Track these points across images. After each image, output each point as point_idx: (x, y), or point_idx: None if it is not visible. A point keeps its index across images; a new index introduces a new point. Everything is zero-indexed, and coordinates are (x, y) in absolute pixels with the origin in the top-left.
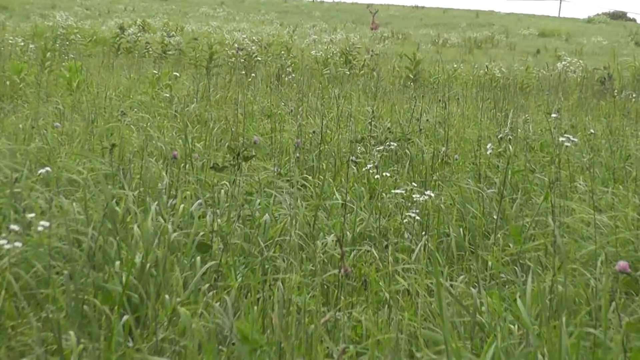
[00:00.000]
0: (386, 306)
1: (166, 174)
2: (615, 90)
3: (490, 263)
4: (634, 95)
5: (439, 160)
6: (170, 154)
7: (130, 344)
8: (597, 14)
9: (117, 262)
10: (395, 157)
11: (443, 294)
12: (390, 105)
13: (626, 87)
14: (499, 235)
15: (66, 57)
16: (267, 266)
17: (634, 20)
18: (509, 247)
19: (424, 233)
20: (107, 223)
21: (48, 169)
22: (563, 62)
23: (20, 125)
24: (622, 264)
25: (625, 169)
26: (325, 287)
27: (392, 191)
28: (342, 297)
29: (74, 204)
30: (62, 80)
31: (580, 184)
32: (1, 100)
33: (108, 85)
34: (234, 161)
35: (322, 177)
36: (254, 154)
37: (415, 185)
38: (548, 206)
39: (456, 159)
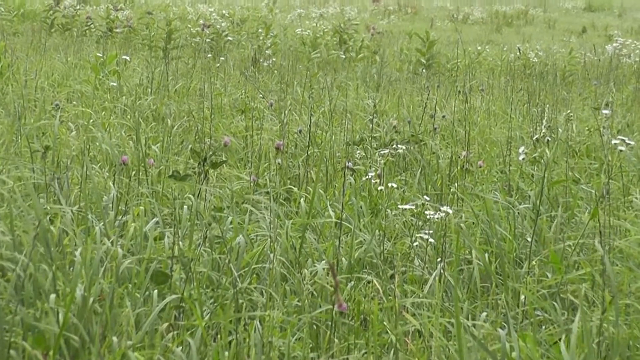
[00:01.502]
0: (392, 351)
1: (113, 184)
2: None
3: (523, 297)
4: None
5: (459, 167)
6: (119, 159)
7: None
8: None
9: (53, 296)
10: (403, 164)
11: (463, 336)
12: (397, 97)
13: None
14: (534, 263)
15: None
16: (241, 301)
17: None
18: (547, 277)
19: (439, 259)
20: (39, 246)
21: None
22: (615, 44)
23: None
24: None
25: None
26: (315, 327)
27: (400, 206)
28: (336, 340)
29: None
30: None
31: (636, 199)
32: None
33: (39, 71)
34: (199, 168)
35: (310, 189)
36: (224, 159)
37: (429, 199)
38: (596, 226)
39: (480, 166)
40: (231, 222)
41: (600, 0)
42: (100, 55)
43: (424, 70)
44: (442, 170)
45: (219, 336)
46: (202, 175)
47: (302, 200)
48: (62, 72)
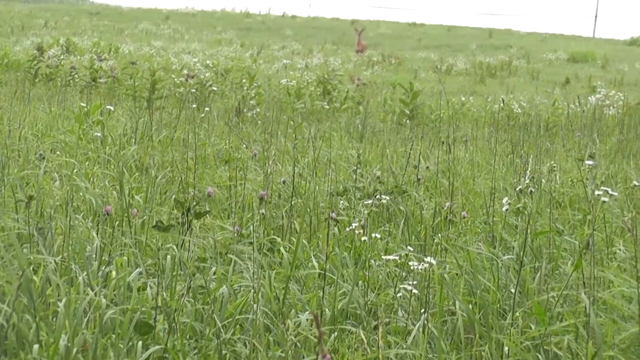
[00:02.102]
0: None
1: (97, 234)
2: None
3: (506, 349)
4: None
5: (442, 218)
6: (102, 209)
7: None
8: None
9: (36, 346)
10: (387, 214)
11: None
12: (381, 148)
13: None
14: (517, 314)
15: None
16: (224, 352)
17: None
18: (530, 328)
19: (423, 311)
20: (22, 297)
21: None
22: (598, 95)
23: None
24: None
25: None
26: None
27: (383, 257)
28: None
29: None
30: None
31: (620, 250)
32: None
33: (23, 121)
34: (183, 218)
35: (294, 239)
36: (207, 209)
37: (412, 250)
38: (579, 277)
39: (463, 217)
40: (214, 273)
41: (583, 51)
42: (84, 105)
43: (407, 121)
44: (426, 221)
45: None
46: (186, 226)
47: (285, 250)
48: (45, 122)
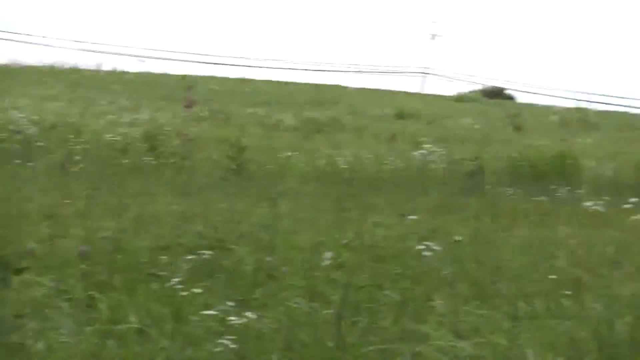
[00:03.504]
0: None
1: None
2: (487, 186)
3: None
4: (509, 192)
5: (263, 273)
6: None
7: None
8: (470, 91)
9: None
10: (208, 270)
11: None
12: (205, 204)
13: (501, 182)
14: None
15: None
16: None
17: (513, 98)
18: None
19: None
20: None
21: None
22: (421, 151)
23: None
24: None
25: (495, 285)
26: None
27: (203, 312)
28: None
29: None
30: None
31: (438, 303)
32: None
33: None
34: (1, 275)
35: (113, 295)
36: (26, 265)
37: (233, 304)
38: (398, 331)
39: (284, 272)
40: (31, 329)
41: (410, 108)
42: None
43: (234, 176)
44: (247, 276)
45: None
46: (4, 282)
47: (104, 306)
48: None
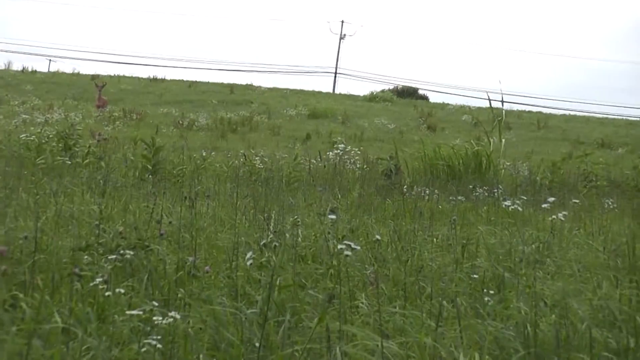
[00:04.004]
0: None
1: None
2: (405, 186)
3: None
4: (426, 192)
5: (186, 272)
6: None
7: None
8: (383, 90)
9: None
10: (130, 269)
11: None
12: (123, 203)
13: (417, 181)
14: None
15: None
16: None
17: (426, 98)
18: None
19: None
20: None
21: None
22: (336, 151)
23: None
24: None
25: (418, 284)
26: None
27: (127, 312)
28: None
29: None
30: None
31: (362, 303)
32: None
33: None
34: None
35: (37, 295)
36: None
37: (157, 304)
38: (323, 331)
39: (207, 272)
40: None
41: (324, 107)
42: None
43: (150, 176)
44: (169, 275)
45: None
46: None
47: (27, 306)
48: None
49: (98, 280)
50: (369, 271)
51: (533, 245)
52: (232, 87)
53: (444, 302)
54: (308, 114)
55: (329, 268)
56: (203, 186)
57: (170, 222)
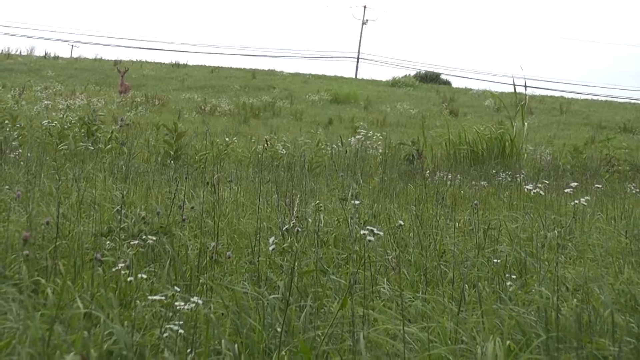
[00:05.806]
0: None
1: None
2: (427, 171)
3: None
4: (449, 177)
5: (208, 258)
6: None
7: None
8: (405, 76)
9: None
10: (152, 255)
11: None
12: (145, 189)
13: (440, 166)
14: (283, 353)
15: None
16: None
17: (448, 83)
18: None
19: (189, 350)
20: None
21: None
22: (359, 136)
23: None
24: None
25: (440, 269)
26: None
27: (149, 297)
28: None
29: None
30: None
31: (384, 288)
32: None
33: None
34: None
35: (59, 280)
36: None
37: (179, 290)
38: (345, 315)
39: (229, 257)
40: None
41: (346, 92)
42: None
43: (172, 162)
44: (191, 261)
45: None
46: None
47: (50, 292)
48: None
49: (120, 265)
50: (390, 256)
51: (555, 230)
52: (254, 73)
53: (466, 287)
54: (330, 99)
55: (351, 253)
56: (225, 171)
57: (192, 208)
